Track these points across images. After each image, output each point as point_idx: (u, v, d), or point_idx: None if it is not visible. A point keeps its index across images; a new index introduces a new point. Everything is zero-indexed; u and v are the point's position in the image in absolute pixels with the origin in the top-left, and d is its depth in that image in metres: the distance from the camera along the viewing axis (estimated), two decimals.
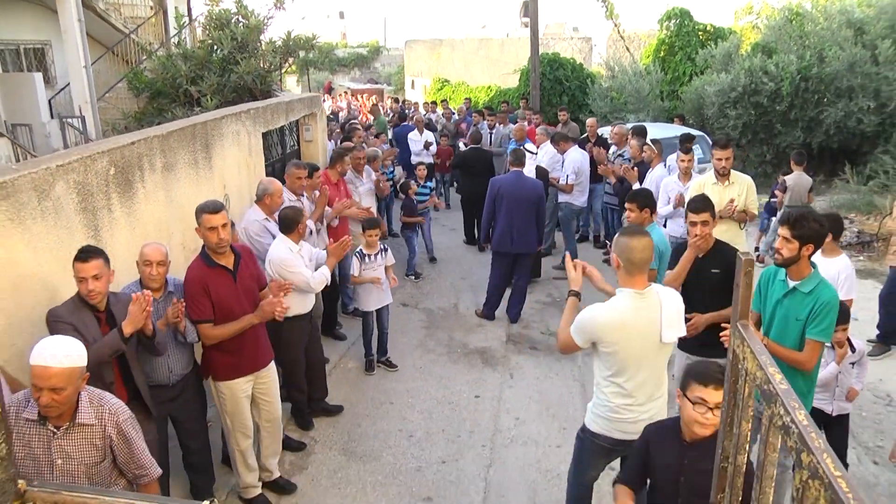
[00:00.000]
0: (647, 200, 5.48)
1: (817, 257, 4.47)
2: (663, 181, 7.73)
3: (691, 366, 3.10)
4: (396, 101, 22.68)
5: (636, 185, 7.93)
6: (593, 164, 9.65)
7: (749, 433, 2.44)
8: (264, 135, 7.77)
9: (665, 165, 8.65)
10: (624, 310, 3.52)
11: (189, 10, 18.29)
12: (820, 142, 13.95)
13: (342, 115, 19.85)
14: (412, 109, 17.98)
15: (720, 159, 6.38)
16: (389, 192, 10.27)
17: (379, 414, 5.96)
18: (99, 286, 3.73)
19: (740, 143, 14.42)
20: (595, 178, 9.99)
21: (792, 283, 3.99)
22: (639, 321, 3.52)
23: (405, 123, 15.08)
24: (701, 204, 4.77)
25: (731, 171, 6.45)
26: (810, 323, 3.86)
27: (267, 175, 7.55)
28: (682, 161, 7.51)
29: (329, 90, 33.74)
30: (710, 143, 10.79)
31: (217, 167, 6.42)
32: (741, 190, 6.35)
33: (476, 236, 11.01)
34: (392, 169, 9.80)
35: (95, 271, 3.70)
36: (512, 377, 6.63)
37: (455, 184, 14.02)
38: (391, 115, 18.27)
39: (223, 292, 4.38)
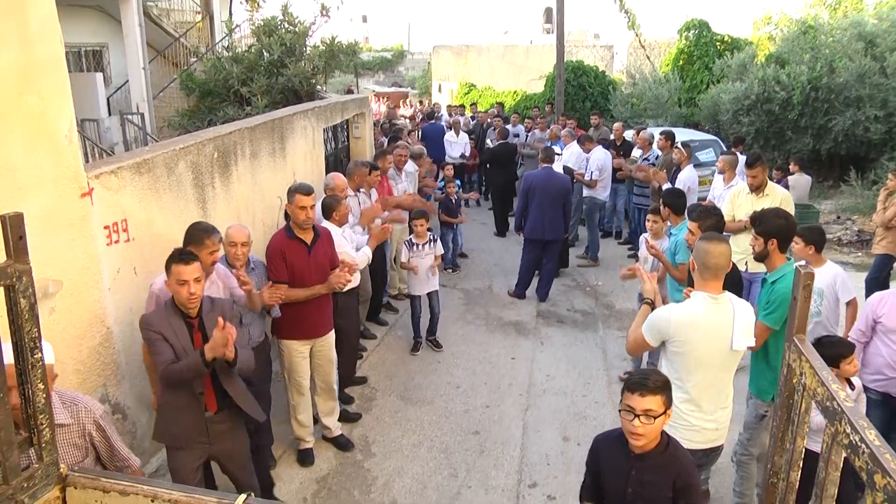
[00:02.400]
0: (676, 199, 6.01)
1: None
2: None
3: (630, 375, 3.10)
4: (421, 102, 23.80)
5: (666, 186, 8.65)
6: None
7: (803, 450, 2.44)
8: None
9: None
10: (696, 311, 3.60)
11: (230, 14, 19.42)
12: (829, 148, 14.72)
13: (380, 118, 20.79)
14: (438, 109, 18.99)
15: (750, 177, 6.59)
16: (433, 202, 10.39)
17: (429, 370, 6.92)
18: (200, 290, 3.72)
19: (752, 148, 15.24)
20: (618, 178, 10.98)
21: (766, 275, 4.43)
22: (710, 324, 3.59)
23: (433, 122, 16.02)
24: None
25: (770, 182, 6.66)
26: (764, 309, 4.18)
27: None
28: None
29: (349, 93, 34.68)
30: (723, 147, 11.78)
31: (289, 156, 7.42)
32: (774, 201, 6.31)
33: (506, 228, 12.14)
34: (443, 182, 10.31)
35: (197, 274, 3.67)
36: (542, 344, 7.60)
37: (483, 182, 15.04)
38: (420, 115, 19.25)
39: (297, 262, 5.05)
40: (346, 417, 5.91)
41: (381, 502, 4.85)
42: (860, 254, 10.71)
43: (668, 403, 2.88)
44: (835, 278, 5.00)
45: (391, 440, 5.65)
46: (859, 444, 1.86)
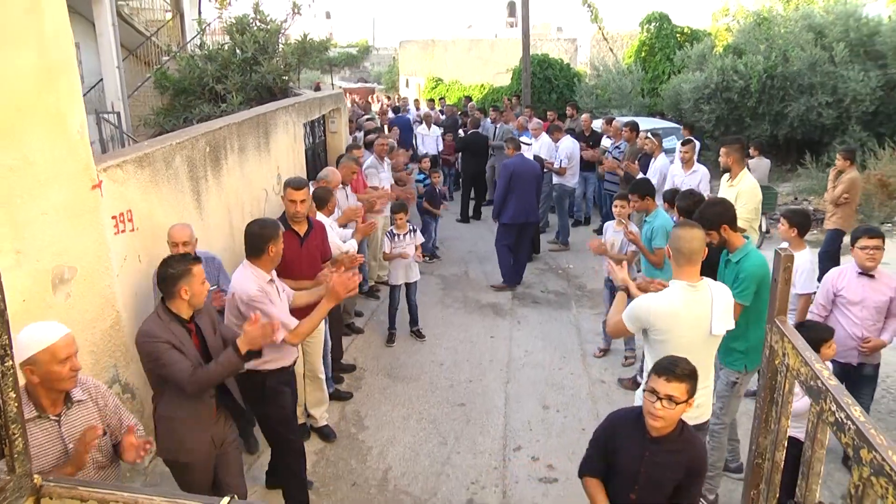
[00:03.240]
0: (647, 189, 6.22)
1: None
2: (669, 170, 8.84)
3: (660, 359, 3.16)
4: (389, 97, 24.30)
5: (639, 176, 9.02)
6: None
7: (787, 431, 2.49)
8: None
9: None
10: (675, 300, 3.65)
11: (199, 13, 19.54)
12: (785, 133, 15.39)
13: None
14: (405, 104, 19.50)
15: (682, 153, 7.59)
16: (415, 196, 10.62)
17: (413, 351, 7.30)
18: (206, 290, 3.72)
19: (714, 135, 15.84)
20: (587, 166, 11.45)
21: (729, 256, 4.59)
22: (689, 312, 3.64)
23: (399, 115, 16.58)
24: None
25: (743, 171, 6.62)
26: (735, 288, 4.30)
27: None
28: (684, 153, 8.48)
29: (317, 90, 34.83)
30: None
31: (273, 150, 7.74)
32: (742, 188, 6.49)
33: (469, 215, 12.86)
34: (423, 175, 10.65)
35: (204, 275, 3.70)
36: (519, 323, 8.03)
37: (458, 176, 15.47)
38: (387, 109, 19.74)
39: (288, 252, 5.00)
40: (337, 396, 6.26)
41: (377, 469, 5.22)
42: (815, 231, 11.26)
43: (692, 392, 2.99)
44: (797, 268, 4.98)
45: (382, 413, 6.02)
46: (845, 420, 1.90)
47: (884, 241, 4.96)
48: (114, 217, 4.81)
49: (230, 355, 3.54)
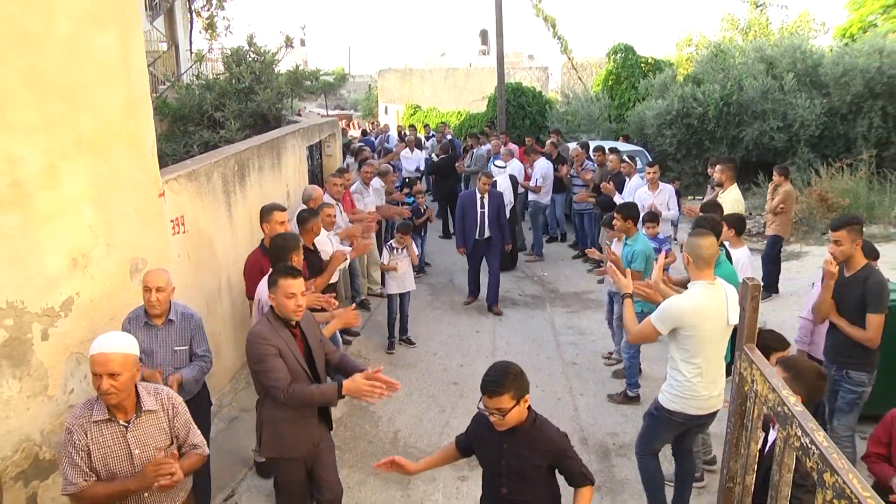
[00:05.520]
0: (631, 212, 6.88)
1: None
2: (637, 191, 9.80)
3: (486, 374, 3.24)
4: (372, 123, 25.83)
5: (617, 198, 9.81)
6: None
7: (757, 454, 2.59)
8: None
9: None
10: (701, 298, 4.25)
11: (190, 43, 20.63)
12: (742, 156, 16.72)
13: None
14: (386, 130, 21.03)
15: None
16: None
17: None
18: (305, 302, 4.07)
19: (676, 157, 17.25)
20: (558, 188, 12.70)
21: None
22: (712, 307, 4.25)
23: (366, 137, 18.92)
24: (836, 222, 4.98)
25: (732, 186, 8.00)
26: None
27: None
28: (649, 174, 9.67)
29: (299, 115, 36.02)
30: (647, 157, 13.62)
31: (284, 170, 8.86)
32: (729, 197, 7.87)
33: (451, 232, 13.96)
34: (414, 199, 11.38)
35: (303, 287, 4.03)
36: (501, 320, 9.21)
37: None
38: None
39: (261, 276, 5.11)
40: None
41: (388, 431, 6.33)
42: (764, 241, 12.59)
43: (521, 394, 3.16)
44: (738, 261, 6.11)
45: None
46: (809, 445, 1.97)
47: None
48: (172, 221, 5.90)
49: (332, 392, 3.89)
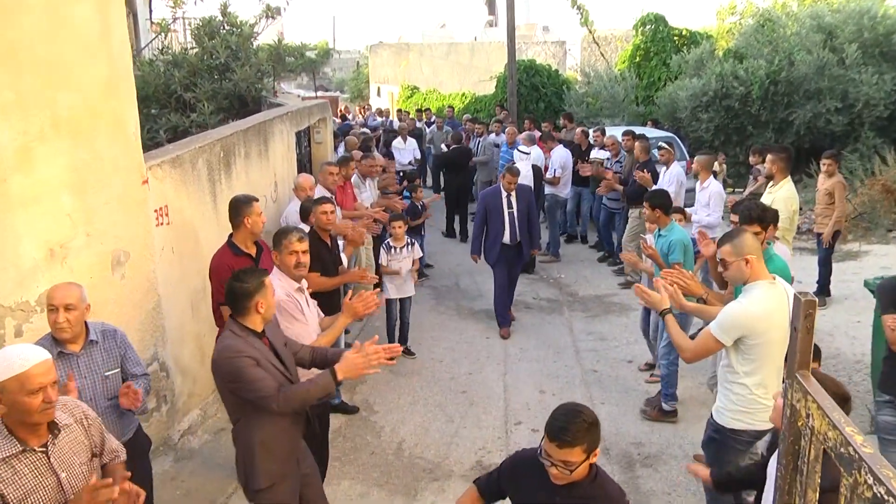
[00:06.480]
0: (660, 200, 7.14)
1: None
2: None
3: (553, 414, 3.18)
4: (364, 108, 26.39)
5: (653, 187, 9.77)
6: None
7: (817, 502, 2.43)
8: None
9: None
10: (766, 301, 4.31)
11: (150, 12, 21.02)
12: (792, 142, 16.96)
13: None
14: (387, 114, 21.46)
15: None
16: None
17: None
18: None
19: (713, 145, 17.62)
20: (581, 181, 12.99)
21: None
22: (778, 308, 4.31)
23: (345, 122, 19.69)
24: None
25: (786, 178, 7.97)
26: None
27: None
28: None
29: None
30: (679, 143, 14.04)
31: (271, 157, 9.34)
32: (780, 192, 7.84)
33: (456, 230, 14.50)
34: (410, 196, 11.63)
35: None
36: (513, 325, 9.67)
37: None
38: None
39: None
40: (343, 409, 7.45)
41: (391, 442, 6.79)
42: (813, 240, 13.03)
43: (593, 447, 3.10)
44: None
45: (389, 401, 7.60)
46: (885, 497, 1.86)
47: None
48: (156, 210, 6.36)
49: (327, 379, 3.96)
